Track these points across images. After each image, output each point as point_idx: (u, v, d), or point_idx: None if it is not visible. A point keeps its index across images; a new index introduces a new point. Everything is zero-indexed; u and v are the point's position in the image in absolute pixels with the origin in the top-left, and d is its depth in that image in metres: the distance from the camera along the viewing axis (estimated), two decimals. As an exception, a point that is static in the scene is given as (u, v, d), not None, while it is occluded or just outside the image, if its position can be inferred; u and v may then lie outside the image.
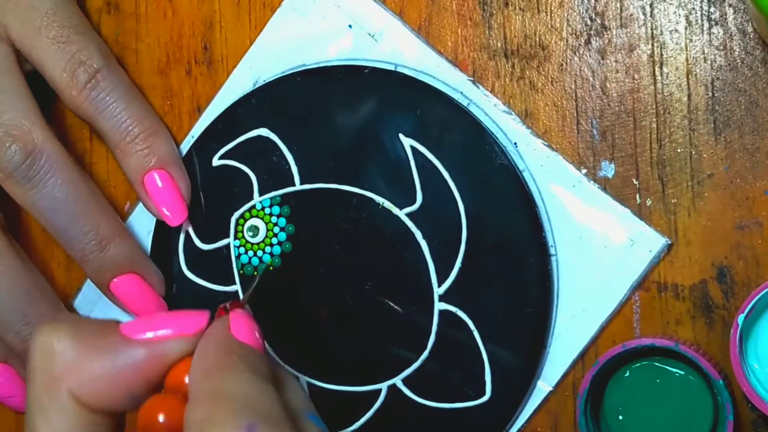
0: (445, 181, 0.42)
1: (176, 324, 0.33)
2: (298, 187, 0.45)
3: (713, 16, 0.40)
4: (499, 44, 0.43)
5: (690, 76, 0.41)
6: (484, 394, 0.42)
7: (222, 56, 0.48)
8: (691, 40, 0.41)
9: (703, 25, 0.41)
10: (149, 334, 0.32)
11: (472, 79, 0.43)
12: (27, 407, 0.32)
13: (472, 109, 0.43)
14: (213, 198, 0.46)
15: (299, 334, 0.45)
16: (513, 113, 0.43)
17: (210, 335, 0.32)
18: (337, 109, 0.44)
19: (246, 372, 0.31)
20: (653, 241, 0.41)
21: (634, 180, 0.41)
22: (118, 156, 0.45)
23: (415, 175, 0.43)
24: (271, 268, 0.45)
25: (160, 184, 0.45)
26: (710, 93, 0.41)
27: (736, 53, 0.40)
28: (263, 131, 0.45)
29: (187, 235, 0.47)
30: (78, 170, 0.45)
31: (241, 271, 0.46)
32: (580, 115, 0.42)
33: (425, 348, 0.43)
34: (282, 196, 0.45)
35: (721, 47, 0.40)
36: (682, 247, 0.41)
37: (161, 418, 0.31)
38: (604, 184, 0.42)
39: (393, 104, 0.43)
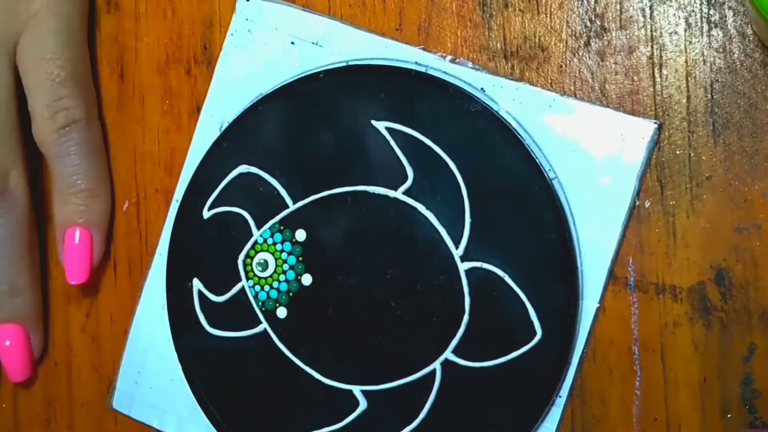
0: (429, 147, 0.42)
1: None
2: (292, 207, 0.45)
3: (713, 19, 0.40)
4: (498, 45, 0.43)
5: (689, 78, 0.41)
6: (535, 334, 0.41)
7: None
8: (690, 43, 0.41)
9: (702, 27, 0.41)
10: None
11: (422, 46, 0.44)
12: None
13: (432, 72, 0.43)
14: (214, 249, 0.47)
15: (339, 347, 0.45)
16: (469, 62, 0.43)
17: None
18: (305, 121, 0.45)
19: None
20: (643, 128, 0.41)
21: (632, 182, 0.41)
22: (56, 200, 0.48)
23: (399, 154, 0.43)
24: (290, 294, 0.45)
25: (77, 241, 0.48)
26: (709, 95, 0.41)
27: (736, 56, 0.40)
28: (242, 168, 0.46)
29: (201, 293, 0.47)
30: (28, 222, 0.49)
31: (263, 309, 0.45)
32: (579, 117, 0.42)
33: (464, 312, 0.42)
34: (280, 222, 0.45)
35: (721, 50, 0.40)
36: (680, 249, 0.41)
37: None
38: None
39: (355, 95, 0.44)
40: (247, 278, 0.46)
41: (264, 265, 0.45)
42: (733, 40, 0.40)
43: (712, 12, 0.40)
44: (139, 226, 0.49)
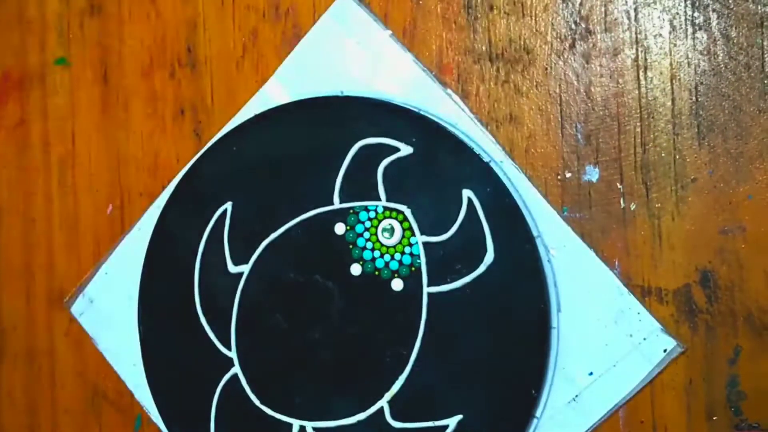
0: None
1: None
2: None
3: (697, 21, 0.41)
4: (483, 48, 0.43)
5: (674, 81, 0.41)
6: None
7: (206, 58, 0.47)
8: (675, 45, 0.41)
9: (687, 29, 0.41)
10: None
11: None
12: None
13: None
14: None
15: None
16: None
17: None
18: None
19: None
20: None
21: (618, 184, 0.41)
22: None
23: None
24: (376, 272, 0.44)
25: None
26: (694, 98, 0.41)
27: (720, 58, 0.40)
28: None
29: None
30: None
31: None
32: (564, 119, 0.42)
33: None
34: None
35: (705, 52, 0.40)
36: (666, 252, 0.41)
37: None
38: (588, 189, 0.42)
39: None
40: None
41: (390, 232, 0.44)
42: (718, 42, 0.40)
43: (696, 15, 0.41)
44: (123, 229, 0.49)
